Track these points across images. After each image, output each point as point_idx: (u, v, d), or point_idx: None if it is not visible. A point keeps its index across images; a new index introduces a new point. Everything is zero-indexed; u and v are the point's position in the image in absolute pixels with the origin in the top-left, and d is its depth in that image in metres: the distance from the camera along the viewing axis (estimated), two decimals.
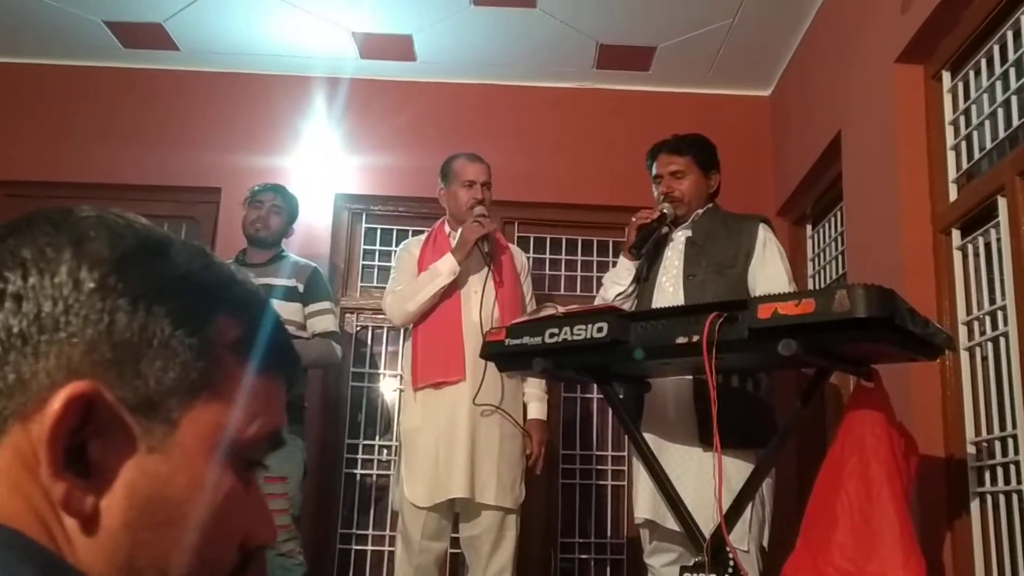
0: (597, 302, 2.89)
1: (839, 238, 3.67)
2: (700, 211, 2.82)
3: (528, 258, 3.56)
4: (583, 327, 2.10)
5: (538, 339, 2.18)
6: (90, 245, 0.55)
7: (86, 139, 4.33)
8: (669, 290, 2.73)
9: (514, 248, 3.37)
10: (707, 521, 2.22)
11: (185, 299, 0.57)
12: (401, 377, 4.02)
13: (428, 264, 3.10)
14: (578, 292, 4.38)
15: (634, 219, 2.80)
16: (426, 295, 3.04)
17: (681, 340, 1.98)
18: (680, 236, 2.81)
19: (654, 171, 2.89)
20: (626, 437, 3.51)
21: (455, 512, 3.03)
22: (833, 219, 3.79)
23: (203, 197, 4.33)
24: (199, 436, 0.56)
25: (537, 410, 3.15)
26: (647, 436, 2.58)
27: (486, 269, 3.10)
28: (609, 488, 4.24)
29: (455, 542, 3.12)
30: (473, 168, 3.18)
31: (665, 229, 2.83)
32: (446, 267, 3.03)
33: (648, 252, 2.83)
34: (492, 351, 2.31)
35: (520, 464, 3.07)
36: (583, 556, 4.18)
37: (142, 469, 0.54)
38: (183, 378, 0.55)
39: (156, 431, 0.54)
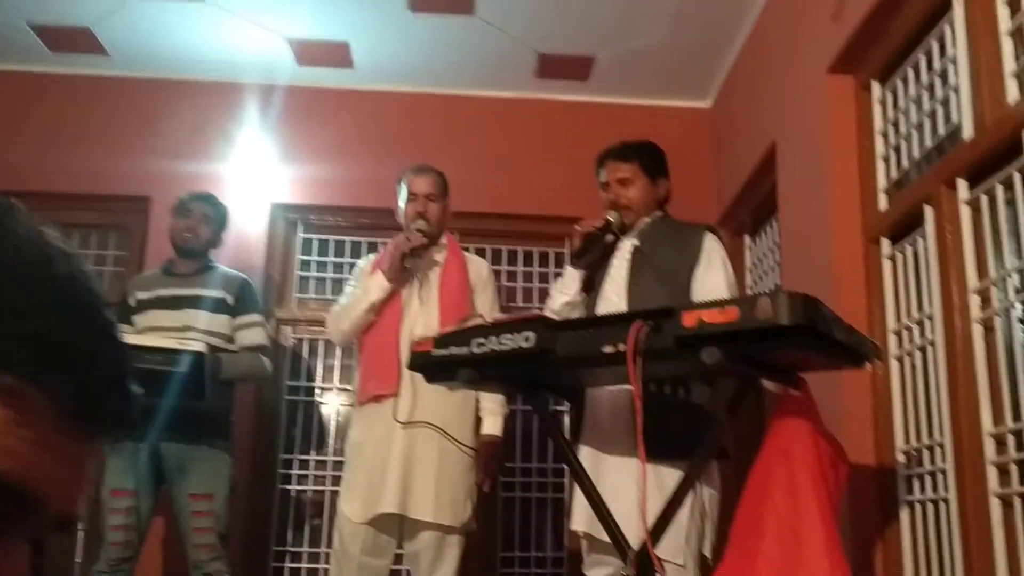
0: (545, 312, 2.84)
1: (776, 248, 3.68)
2: (648, 219, 2.78)
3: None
4: (510, 337, 2.05)
5: (465, 349, 2.12)
6: None
7: (11, 145, 4.19)
8: (614, 299, 2.68)
9: (474, 259, 3.26)
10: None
11: None
12: (349, 391, 3.92)
13: None
14: (519, 303, 4.34)
15: (578, 227, 2.76)
16: (357, 314, 2.97)
17: (608, 349, 1.94)
18: (627, 244, 2.77)
19: (602, 178, 2.84)
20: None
21: (400, 529, 2.93)
22: (770, 229, 3.80)
23: (132, 206, 4.21)
24: None
25: (491, 425, 3.02)
26: (587, 448, 2.54)
27: (432, 280, 3.03)
28: (549, 501, 4.20)
29: (399, 558, 3.04)
30: (416, 181, 3.10)
31: (611, 237, 2.78)
32: (375, 284, 2.96)
33: (595, 260, 2.79)
34: (419, 362, 2.25)
35: (465, 482, 2.93)
36: (522, 570, 4.12)
37: None
38: None
39: None
